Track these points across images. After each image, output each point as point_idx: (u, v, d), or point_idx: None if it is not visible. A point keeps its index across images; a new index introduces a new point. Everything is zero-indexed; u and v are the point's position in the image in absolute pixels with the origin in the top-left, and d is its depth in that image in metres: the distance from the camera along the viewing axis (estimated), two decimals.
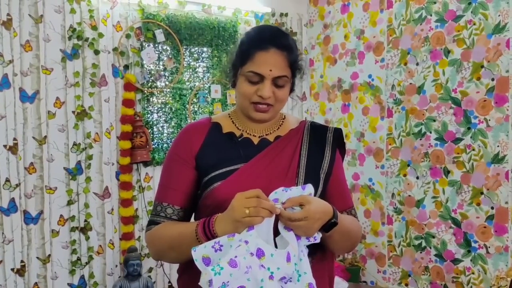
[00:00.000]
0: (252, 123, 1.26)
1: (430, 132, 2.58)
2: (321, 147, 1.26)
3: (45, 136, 2.55)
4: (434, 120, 2.56)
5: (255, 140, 1.24)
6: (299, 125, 1.30)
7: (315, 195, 1.15)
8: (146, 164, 2.84)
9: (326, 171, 1.22)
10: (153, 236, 1.20)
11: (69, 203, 2.62)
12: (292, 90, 1.27)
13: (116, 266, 2.78)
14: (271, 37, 1.18)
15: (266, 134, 1.26)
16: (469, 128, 2.39)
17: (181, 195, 1.20)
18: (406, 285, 2.73)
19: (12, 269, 2.46)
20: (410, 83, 2.69)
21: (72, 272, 2.63)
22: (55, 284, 2.59)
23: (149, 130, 2.84)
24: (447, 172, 2.50)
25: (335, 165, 1.25)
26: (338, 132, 1.29)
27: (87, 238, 2.66)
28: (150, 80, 2.85)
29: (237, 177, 1.16)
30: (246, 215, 0.98)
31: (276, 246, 1.04)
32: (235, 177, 1.16)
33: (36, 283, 2.53)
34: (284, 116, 1.32)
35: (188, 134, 1.27)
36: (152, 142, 2.84)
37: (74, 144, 2.63)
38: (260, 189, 1.07)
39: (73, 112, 2.62)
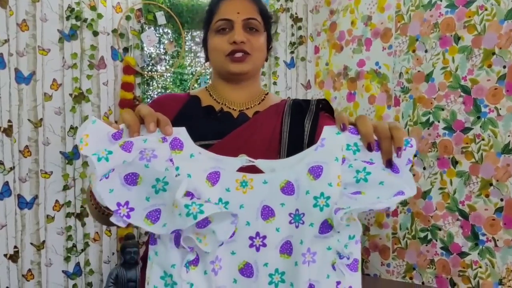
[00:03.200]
0: (231, 92, 1.18)
1: (438, 121, 2.50)
2: (302, 120, 1.13)
3: (41, 119, 2.48)
4: (443, 109, 2.48)
5: (235, 114, 1.16)
6: (281, 102, 1.20)
7: None
8: None
9: (307, 143, 1.09)
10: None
11: (65, 188, 2.55)
12: (269, 46, 1.20)
13: (113, 253, 2.71)
14: None
15: (246, 108, 1.17)
16: (478, 117, 2.32)
17: None
18: (411, 278, 2.66)
19: (5, 255, 2.41)
20: (418, 71, 2.61)
21: (67, 259, 2.57)
22: (49, 271, 2.53)
23: None
24: (455, 162, 2.42)
25: (320, 122, 1.11)
26: (322, 102, 1.16)
27: (83, 225, 2.60)
28: (150, 64, 2.78)
29: None
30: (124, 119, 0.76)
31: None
32: None
33: (29, 270, 2.47)
34: (267, 92, 1.24)
35: (161, 103, 1.17)
36: None
37: (71, 127, 2.56)
38: None
39: (70, 94, 2.56)
